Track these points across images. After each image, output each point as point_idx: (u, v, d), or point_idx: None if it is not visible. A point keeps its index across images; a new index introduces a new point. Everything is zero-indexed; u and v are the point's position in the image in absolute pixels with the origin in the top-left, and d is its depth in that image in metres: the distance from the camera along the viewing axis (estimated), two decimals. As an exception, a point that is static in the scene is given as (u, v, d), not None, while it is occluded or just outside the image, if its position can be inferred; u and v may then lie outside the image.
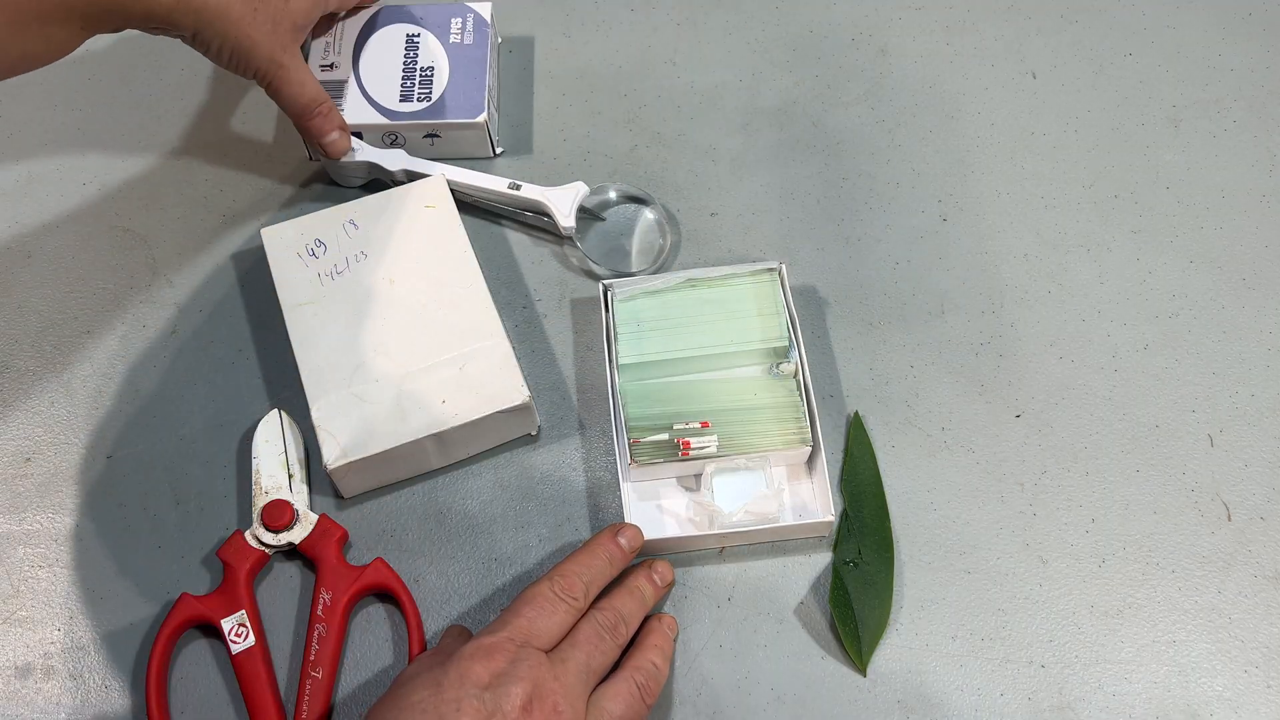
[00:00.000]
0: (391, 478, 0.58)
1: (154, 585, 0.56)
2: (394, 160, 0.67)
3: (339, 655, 0.53)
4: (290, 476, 0.57)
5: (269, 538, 0.55)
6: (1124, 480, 0.59)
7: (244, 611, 0.53)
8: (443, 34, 0.70)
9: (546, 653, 0.46)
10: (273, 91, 0.60)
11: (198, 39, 0.56)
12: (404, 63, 0.69)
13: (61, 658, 0.55)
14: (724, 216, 0.68)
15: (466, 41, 0.70)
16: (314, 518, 0.56)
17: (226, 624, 0.53)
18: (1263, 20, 0.75)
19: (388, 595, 0.55)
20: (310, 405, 0.56)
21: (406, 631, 0.54)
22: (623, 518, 0.56)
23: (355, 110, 0.67)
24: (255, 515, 0.55)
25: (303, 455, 0.58)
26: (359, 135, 0.67)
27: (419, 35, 0.70)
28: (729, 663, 0.54)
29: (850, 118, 0.72)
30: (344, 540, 0.56)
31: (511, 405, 0.56)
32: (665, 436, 0.56)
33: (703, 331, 0.59)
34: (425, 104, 0.68)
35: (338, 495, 0.58)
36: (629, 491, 0.56)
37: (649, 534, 0.55)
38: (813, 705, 0.53)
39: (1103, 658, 0.54)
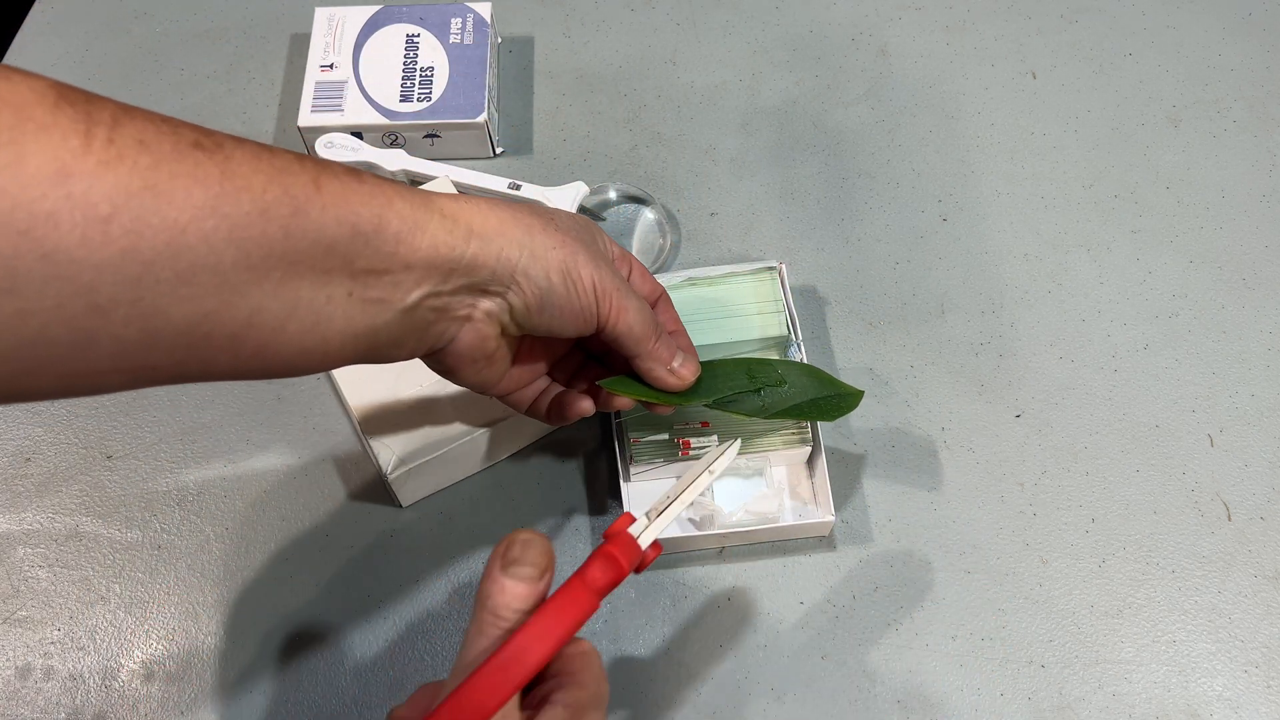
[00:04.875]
0: (446, 480, 0.58)
1: (153, 585, 0.56)
2: (394, 160, 0.67)
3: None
4: None
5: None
6: (1124, 480, 0.59)
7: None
8: (443, 34, 0.70)
9: None
10: (616, 313, 0.45)
11: (517, 279, 0.42)
12: (404, 63, 0.69)
13: (61, 658, 0.55)
14: (724, 216, 0.68)
15: (466, 41, 0.70)
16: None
17: None
18: (1263, 20, 0.75)
19: None
20: (356, 418, 0.56)
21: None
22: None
23: (355, 110, 0.67)
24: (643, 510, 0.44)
25: None
26: (359, 135, 0.67)
27: (419, 35, 0.70)
28: (729, 662, 0.54)
29: (850, 118, 0.72)
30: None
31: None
32: (665, 436, 0.56)
33: (703, 330, 0.59)
34: (425, 104, 0.68)
35: (394, 504, 0.58)
36: (629, 491, 0.56)
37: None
38: (813, 705, 0.53)
39: (1103, 658, 0.54)
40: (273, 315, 0.36)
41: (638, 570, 0.41)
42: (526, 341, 0.49)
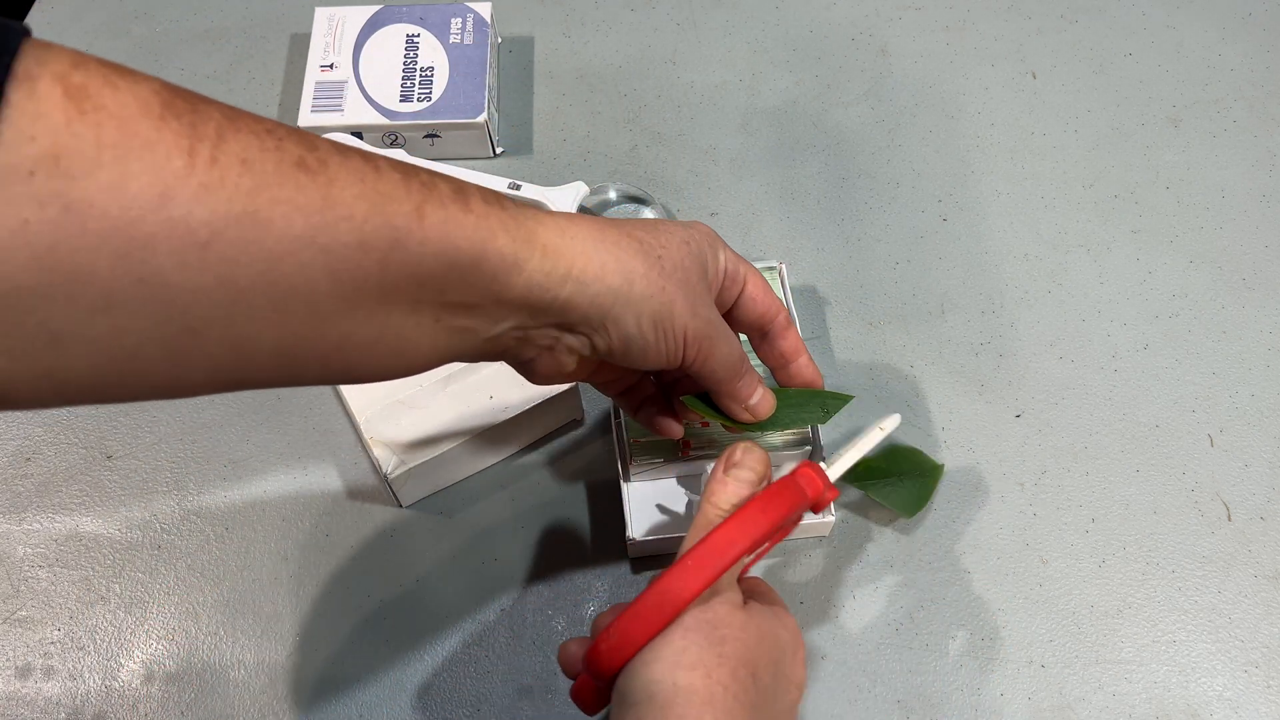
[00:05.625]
0: (446, 480, 0.59)
1: (153, 585, 0.56)
2: (394, 160, 0.67)
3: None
4: None
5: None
6: (1124, 480, 0.59)
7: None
8: (443, 34, 0.70)
9: None
10: (702, 358, 0.45)
11: (606, 325, 0.41)
12: (404, 63, 0.69)
13: (61, 658, 0.55)
14: (724, 216, 0.68)
15: (466, 41, 0.70)
16: None
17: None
18: (1263, 20, 0.75)
19: None
20: (357, 418, 0.56)
21: None
22: (622, 517, 0.56)
23: (355, 110, 0.67)
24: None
25: None
26: (359, 135, 0.67)
27: (419, 35, 0.70)
28: (729, 663, 0.54)
29: (850, 118, 0.72)
30: None
31: (558, 391, 0.57)
32: (665, 436, 0.56)
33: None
34: (425, 104, 0.68)
35: (394, 504, 0.58)
36: (629, 491, 0.56)
37: (649, 534, 0.55)
38: (812, 705, 0.53)
39: (1103, 658, 0.54)
40: (362, 339, 0.36)
41: (815, 510, 0.45)
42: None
